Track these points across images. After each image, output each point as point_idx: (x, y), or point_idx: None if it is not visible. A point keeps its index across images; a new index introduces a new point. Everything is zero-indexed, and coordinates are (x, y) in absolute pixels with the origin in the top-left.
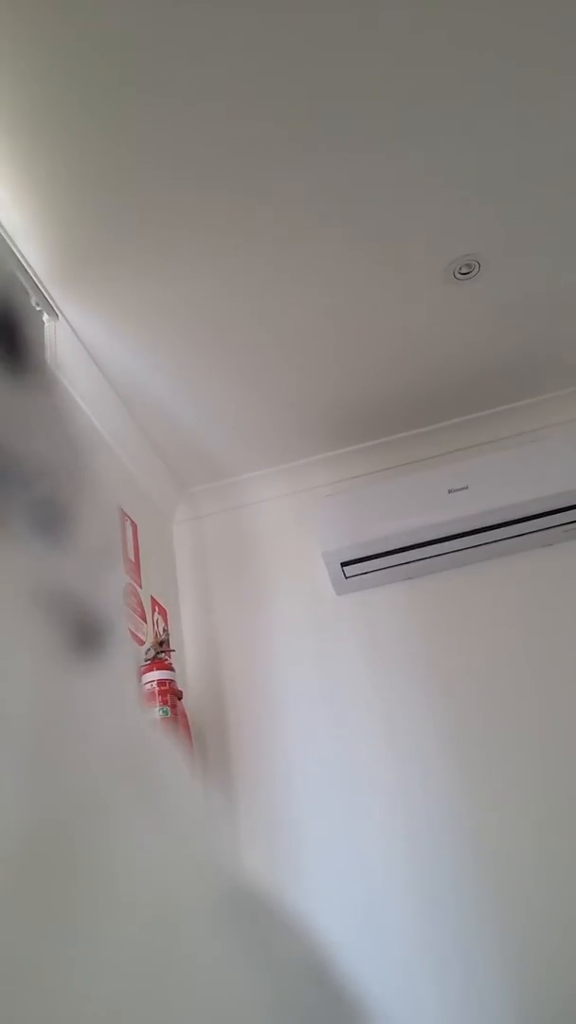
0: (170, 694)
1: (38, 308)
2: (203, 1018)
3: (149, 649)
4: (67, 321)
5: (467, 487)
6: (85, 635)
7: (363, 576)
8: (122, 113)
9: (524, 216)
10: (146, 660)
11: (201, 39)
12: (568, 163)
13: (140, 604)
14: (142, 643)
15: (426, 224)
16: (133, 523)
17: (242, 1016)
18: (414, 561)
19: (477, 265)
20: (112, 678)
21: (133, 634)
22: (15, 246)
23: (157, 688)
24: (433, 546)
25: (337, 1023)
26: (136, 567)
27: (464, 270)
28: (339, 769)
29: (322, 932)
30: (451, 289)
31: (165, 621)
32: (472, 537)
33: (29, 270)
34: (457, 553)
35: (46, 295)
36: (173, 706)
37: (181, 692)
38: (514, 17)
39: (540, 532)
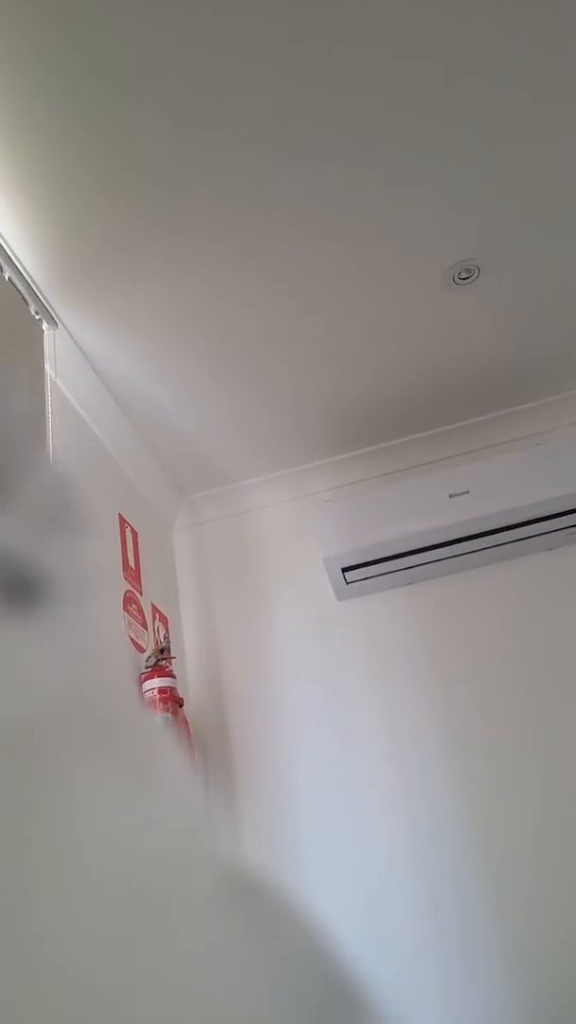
0: (171, 701)
1: (37, 317)
2: (185, 992)
3: (150, 656)
4: (66, 329)
5: (468, 491)
6: (17, 592)
7: (364, 581)
8: (121, 121)
9: (523, 221)
10: (147, 667)
11: (200, 46)
12: (567, 168)
13: (141, 611)
14: (143, 650)
15: (425, 230)
16: (133, 530)
17: (231, 994)
18: (415, 566)
19: (476, 270)
20: (63, 634)
21: (134, 641)
22: (14, 254)
23: (158, 695)
24: (434, 551)
25: (337, 1002)
26: (137, 574)
27: (463, 275)
28: (341, 774)
29: (325, 930)
30: (450, 294)
31: (166, 628)
32: (473, 541)
33: (28, 278)
34: (458, 558)
35: (45, 303)
36: (174, 713)
37: (182, 699)
38: (513, 23)
39: (541, 536)
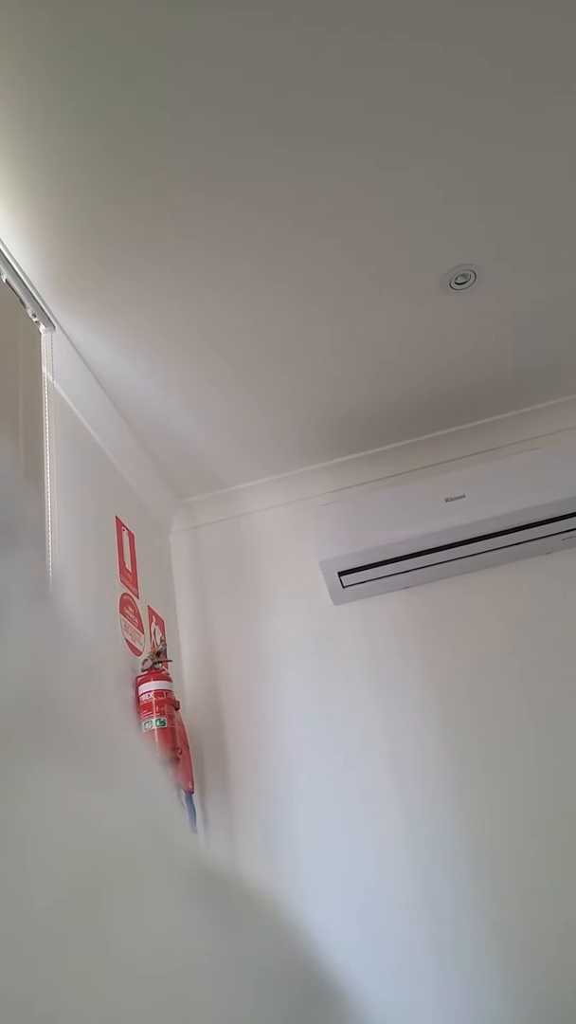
0: (167, 704)
1: (34, 319)
2: (128, 986)
3: (146, 659)
4: (64, 332)
5: (464, 496)
6: None
7: (361, 585)
8: (119, 123)
9: (520, 226)
10: (143, 670)
11: (197, 49)
12: (565, 173)
13: (137, 614)
14: (139, 653)
15: (422, 234)
16: (130, 533)
17: (188, 985)
18: (412, 570)
19: (473, 275)
20: (21, 643)
21: (130, 644)
22: (11, 256)
23: (154, 698)
24: (431, 555)
25: (311, 996)
26: (133, 577)
27: (460, 280)
28: (337, 778)
29: (319, 936)
30: (447, 299)
31: (162, 631)
32: (470, 546)
33: (25, 280)
34: (455, 562)
35: (42, 306)
36: (170, 716)
37: (178, 702)
38: (511, 30)
39: (538, 540)
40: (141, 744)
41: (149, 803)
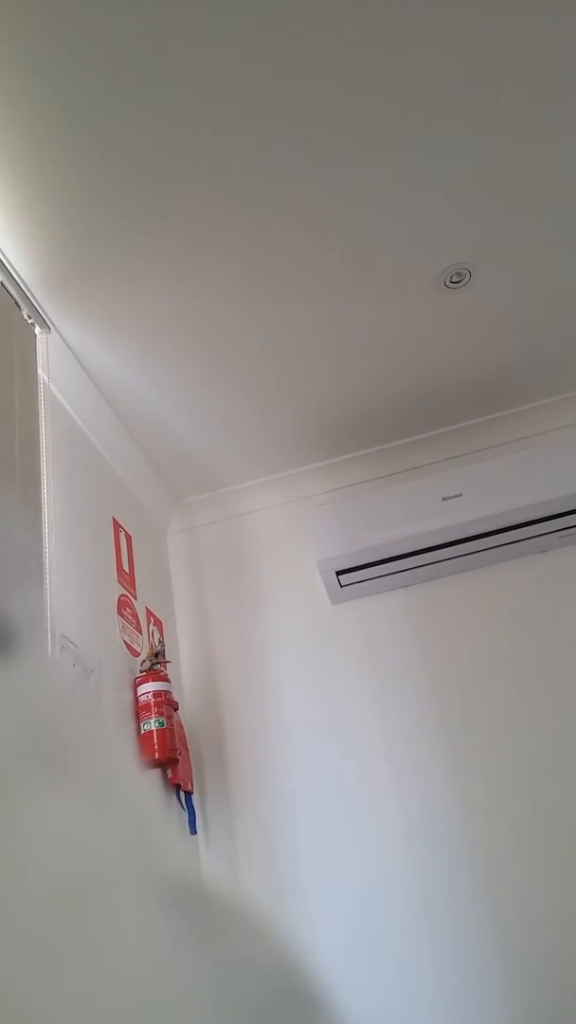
0: (166, 705)
1: (30, 321)
2: (121, 1002)
3: (145, 660)
4: (59, 333)
5: (461, 494)
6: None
7: (358, 584)
8: (114, 125)
9: (514, 225)
10: (141, 671)
11: (193, 52)
12: (559, 171)
13: (135, 615)
14: (137, 655)
15: (417, 233)
16: (127, 534)
17: (167, 998)
18: (409, 569)
19: (468, 274)
20: (27, 676)
21: (128, 646)
22: (5, 258)
23: (153, 699)
24: (428, 554)
25: (288, 1006)
26: (131, 578)
27: (455, 279)
28: (336, 778)
29: (317, 940)
30: (442, 298)
31: (160, 632)
32: (467, 544)
33: (20, 282)
34: (452, 560)
35: (38, 307)
36: (169, 717)
37: (177, 703)
38: (505, 29)
39: (535, 538)
40: (134, 762)
41: (136, 822)
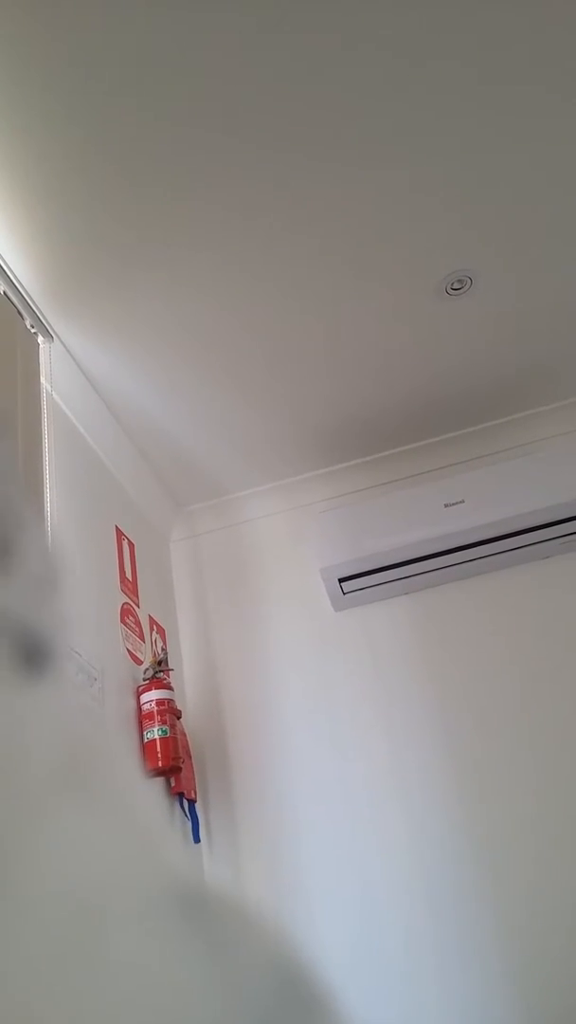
0: (169, 713)
1: (32, 330)
2: (129, 1012)
3: (148, 668)
4: (61, 342)
5: (463, 501)
6: (28, 656)
7: (361, 592)
8: (115, 132)
9: (515, 231)
10: (144, 679)
11: (194, 58)
12: (560, 178)
13: (138, 623)
14: (140, 663)
15: (418, 240)
16: (130, 542)
17: (173, 1006)
18: (412, 576)
19: (469, 280)
20: (54, 692)
21: (131, 654)
22: (8, 267)
23: (156, 707)
24: (431, 560)
25: (300, 1016)
26: (134, 586)
27: (456, 285)
28: (339, 785)
29: (322, 947)
30: (443, 304)
31: (163, 640)
32: (469, 551)
33: (23, 291)
34: (455, 567)
35: (40, 316)
36: (172, 725)
37: (180, 711)
38: (507, 36)
39: (537, 545)
40: (141, 774)
41: (141, 832)
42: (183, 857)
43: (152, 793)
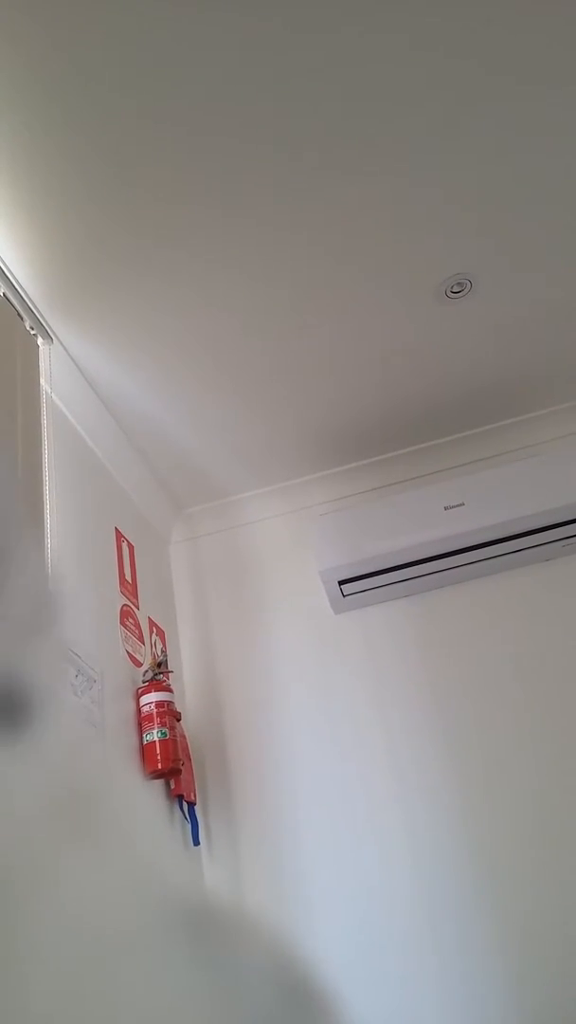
0: (168, 715)
1: (32, 332)
2: (125, 1013)
3: (147, 671)
4: (62, 344)
5: (463, 503)
6: (11, 712)
7: (361, 594)
8: (116, 137)
9: (514, 235)
10: (144, 681)
11: (195, 63)
12: (559, 182)
13: (138, 625)
14: (140, 665)
15: (418, 243)
16: (130, 544)
17: (174, 1014)
18: (412, 578)
19: (469, 284)
20: (45, 741)
21: (131, 656)
22: (8, 269)
23: (155, 710)
24: (431, 563)
25: None
26: (133, 588)
27: (456, 289)
28: (339, 785)
29: (322, 951)
30: (443, 308)
31: (163, 642)
32: (470, 553)
33: (23, 293)
34: (455, 570)
35: (40, 319)
36: (172, 727)
37: (180, 713)
38: (509, 41)
39: (538, 547)
40: (144, 800)
41: (141, 838)
42: (185, 872)
43: (152, 805)
